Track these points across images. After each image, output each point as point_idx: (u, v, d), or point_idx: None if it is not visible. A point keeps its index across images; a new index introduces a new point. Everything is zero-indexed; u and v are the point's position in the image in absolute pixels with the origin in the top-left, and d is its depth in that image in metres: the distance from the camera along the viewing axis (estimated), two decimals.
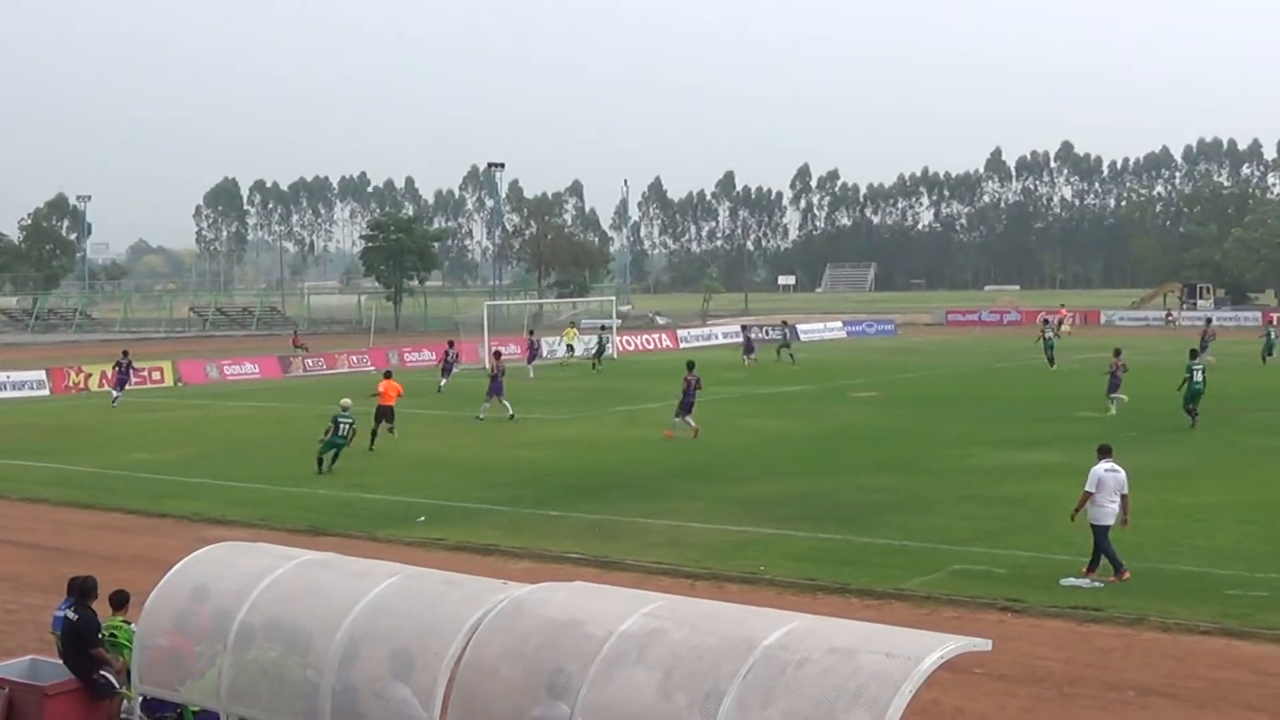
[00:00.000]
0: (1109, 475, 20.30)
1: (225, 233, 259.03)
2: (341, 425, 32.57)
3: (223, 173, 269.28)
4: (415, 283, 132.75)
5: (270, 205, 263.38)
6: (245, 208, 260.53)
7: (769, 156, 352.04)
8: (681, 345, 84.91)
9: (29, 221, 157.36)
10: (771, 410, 45.23)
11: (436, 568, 14.75)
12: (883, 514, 25.77)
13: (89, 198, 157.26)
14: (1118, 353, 42.94)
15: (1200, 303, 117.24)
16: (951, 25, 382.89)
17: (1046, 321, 67.99)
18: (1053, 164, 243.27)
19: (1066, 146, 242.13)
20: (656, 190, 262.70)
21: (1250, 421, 39.45)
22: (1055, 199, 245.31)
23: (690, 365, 39.75)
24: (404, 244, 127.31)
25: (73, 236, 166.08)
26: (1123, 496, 20.27)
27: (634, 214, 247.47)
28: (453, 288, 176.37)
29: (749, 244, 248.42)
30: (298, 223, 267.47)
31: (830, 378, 57.86)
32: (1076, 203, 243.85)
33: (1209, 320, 75.51)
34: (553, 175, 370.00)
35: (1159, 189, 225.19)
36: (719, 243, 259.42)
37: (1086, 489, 20.25)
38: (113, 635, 13.98)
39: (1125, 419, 38.95)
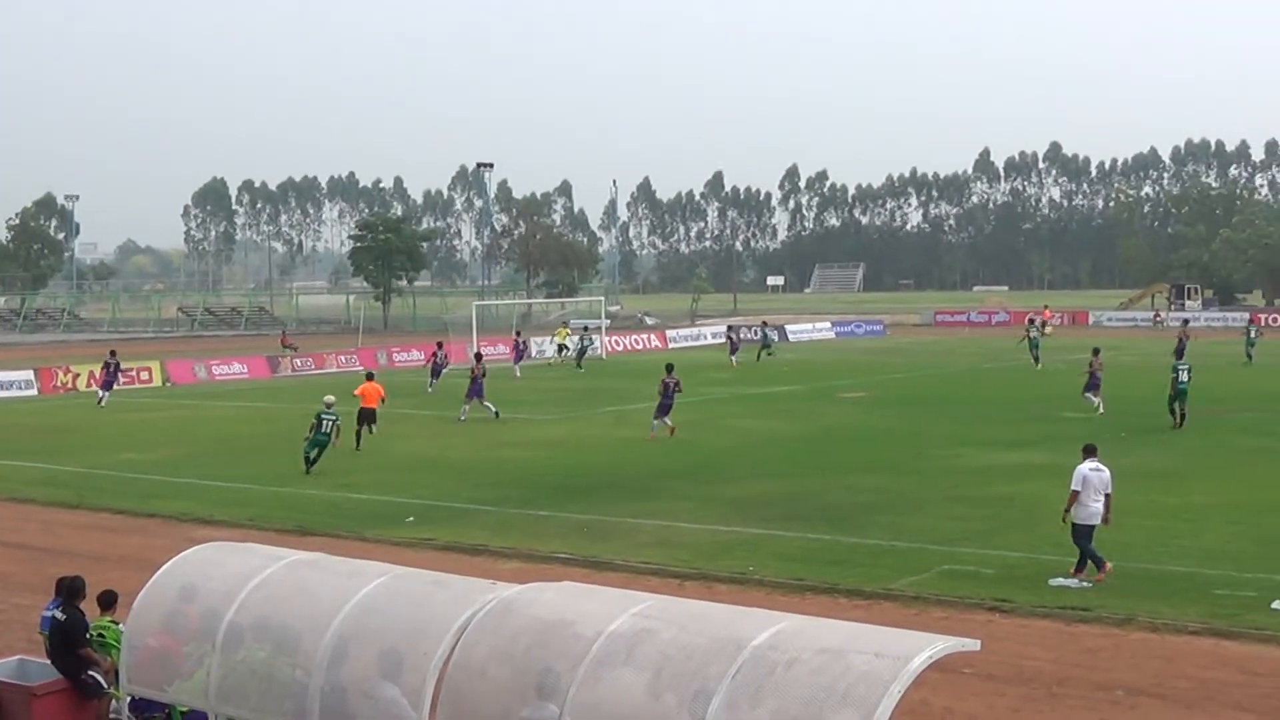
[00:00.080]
0: (1093, 474, 20.35)
1: (213, 233, 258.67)
2: (325, 422, 32.60)
3: (211, 172, 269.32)
4: (404, 283, 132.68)
5: (259, 205, 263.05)
6: (234, 208, 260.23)
7: (758, 157, 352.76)
8: (670, 346, 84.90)
9: (17, 221, 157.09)
10: (760, 411, 45.25)
11: (425, 568, 14.74)
12: (871, 514, 25.79)
13: (77, 197, 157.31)
14: (1096, 352, 43.04)
15: (1189, 303, 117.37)
16: (941, 27, 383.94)
17: (1031, 321, 68.16)
18: (1041, 165, 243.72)
19: (1055, 147, 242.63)
20: (645, 191, 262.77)
21: (1237, 422, 39.54)
22: (1044, 200, 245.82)
23: (669, 368, 39.76)
24: (392, 244, 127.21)
25: (61, 236, 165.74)
26: (1106, 496, 20.33)
27: (623, 214, 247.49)
28: (441, 288, 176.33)
29: (738, 244, 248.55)
30: (286, 223, 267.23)
31: (819, 378, 57.89)
32: (1065, 203, 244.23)
33: (1185, 321, 75.90)
34: (541, 175, 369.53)
35: (1147, 190, 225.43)
36: (708, 243, 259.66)
37: (1073, 488, 20.30)
38: (100, 635, 13.97)
39: (1114, 419, 39.00)
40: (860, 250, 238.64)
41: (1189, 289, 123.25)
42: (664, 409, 38.36)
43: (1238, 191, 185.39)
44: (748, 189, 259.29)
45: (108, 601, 14.45)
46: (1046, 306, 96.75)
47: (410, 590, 11.98)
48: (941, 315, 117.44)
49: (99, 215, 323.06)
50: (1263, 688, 15.52)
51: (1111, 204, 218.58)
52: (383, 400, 38.03)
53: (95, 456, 36.43)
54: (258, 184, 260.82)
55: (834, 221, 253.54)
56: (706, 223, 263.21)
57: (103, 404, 50.35)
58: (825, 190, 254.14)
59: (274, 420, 44.20)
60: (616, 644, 10.23)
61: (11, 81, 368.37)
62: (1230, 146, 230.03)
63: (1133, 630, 17.79)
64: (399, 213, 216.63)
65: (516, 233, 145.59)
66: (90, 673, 13.55)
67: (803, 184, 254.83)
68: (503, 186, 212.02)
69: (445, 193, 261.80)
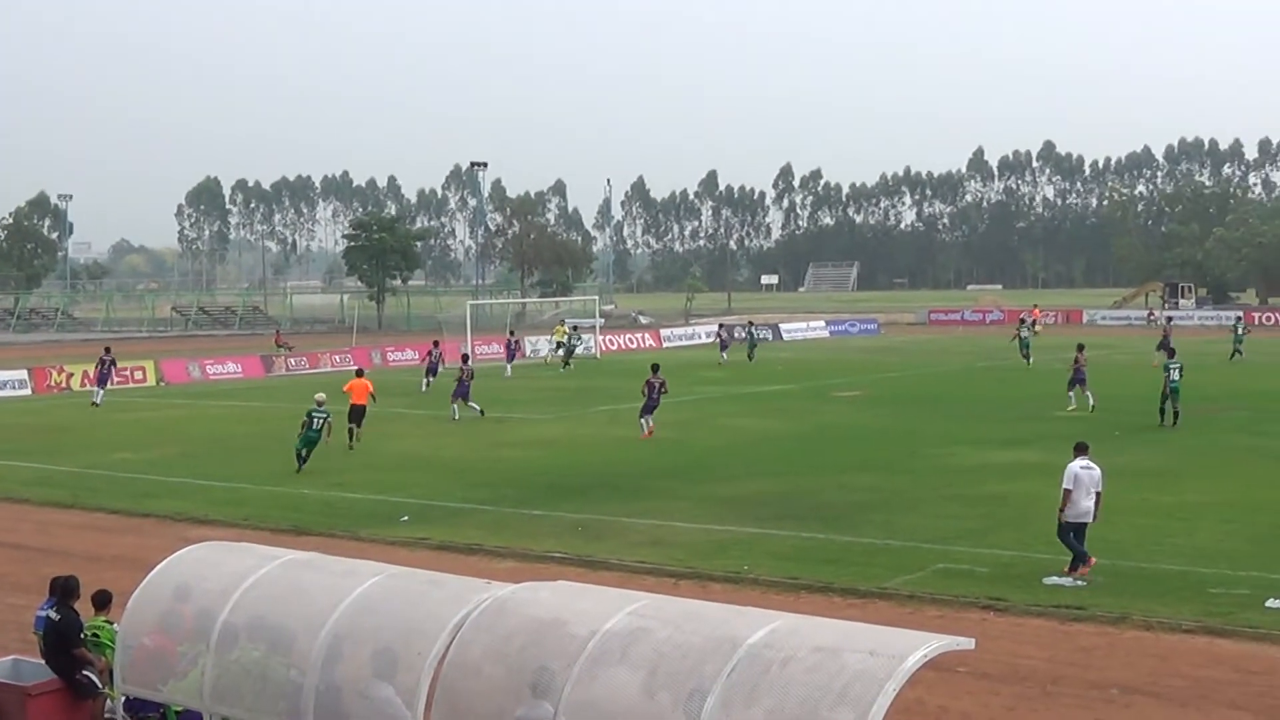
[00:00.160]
0: (1084, 472, 20.40)
1: (207, 232, 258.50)
2: (315, 419, 32.67)
3: (205, 172, 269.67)
4: (398, 282, 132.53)
5: (252, 204, 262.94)
6: (227, 207, 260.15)
7: (752, 156, 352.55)
8: (665, 345, 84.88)
9: (10, 220, 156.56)
10: (754, 409, 45.26)
11: (420, 567, 14.75)
12: (866, 513, 25.80)
13: (71, 197, 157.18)
14: (1080, 348, 43.34)
15: (1182, 302, 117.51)
16: (936, 25, 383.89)
17: (1023, 321, 68.30)
18: (1035, 163, 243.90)
19: (1048, 146, 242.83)
20: (639, 190, 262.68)
21: (1231, 420, 39.60)
22: (1037, 198, 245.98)
23: (654, 367, 39.77)
24: (387, 243, 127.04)
25: (54, 236, 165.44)
26: (1097, 494, 20.37)
27: (617, 213, 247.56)
28: (435, 287, 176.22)
29: (732, 243, 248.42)
30: (280, 222, 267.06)
31: (813, 377, 57.91)
32: (1058, 202, 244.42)
33: (1168, 319, 76.09)
34: (536, 175, 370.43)
35: (1141, 188, 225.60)
36: (702, 242, 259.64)
37: (1065, 487, 20.34)
38: (95, 635, 13.95)
39: (1107, 418, 39.02)
40: (854, 249, 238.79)
41: (1183, 288, 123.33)
42: (649, 408, 38.34)
43: (1231, 190, 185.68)
44: (742, 188, 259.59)
45: (102, 601, 14.44)
46: (1036, 305, 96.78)
47: (405, 590, 11.98)
48: (936, 314, 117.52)
49: (93, 215, 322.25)
50: (1257, 686, 15.54)
51: (1105, 203, 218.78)
52: (373, 397, 37.95)
53: (89, 456, 36.39)
54: (251, 183, 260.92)
55: (828, 220, 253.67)
56: (701, 222, 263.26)
57: (98, 402, 50.30)
58: (819, 189, 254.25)
59: (268, 420, 44.16)
60: (611, 643, 10.24)
61: (5, 81, 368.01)
62: (1224, 145, 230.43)
63: (1127, 629, 17.81)
64: (393, 212, 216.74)
65: (511, 232, 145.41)
66: (85, 672, 13.53)
67: (797, 183, 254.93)
68: (497, 186, 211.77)
69: (439, 192, 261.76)
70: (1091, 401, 41.31)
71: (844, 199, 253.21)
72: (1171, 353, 40.40)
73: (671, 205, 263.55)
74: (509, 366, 62.75)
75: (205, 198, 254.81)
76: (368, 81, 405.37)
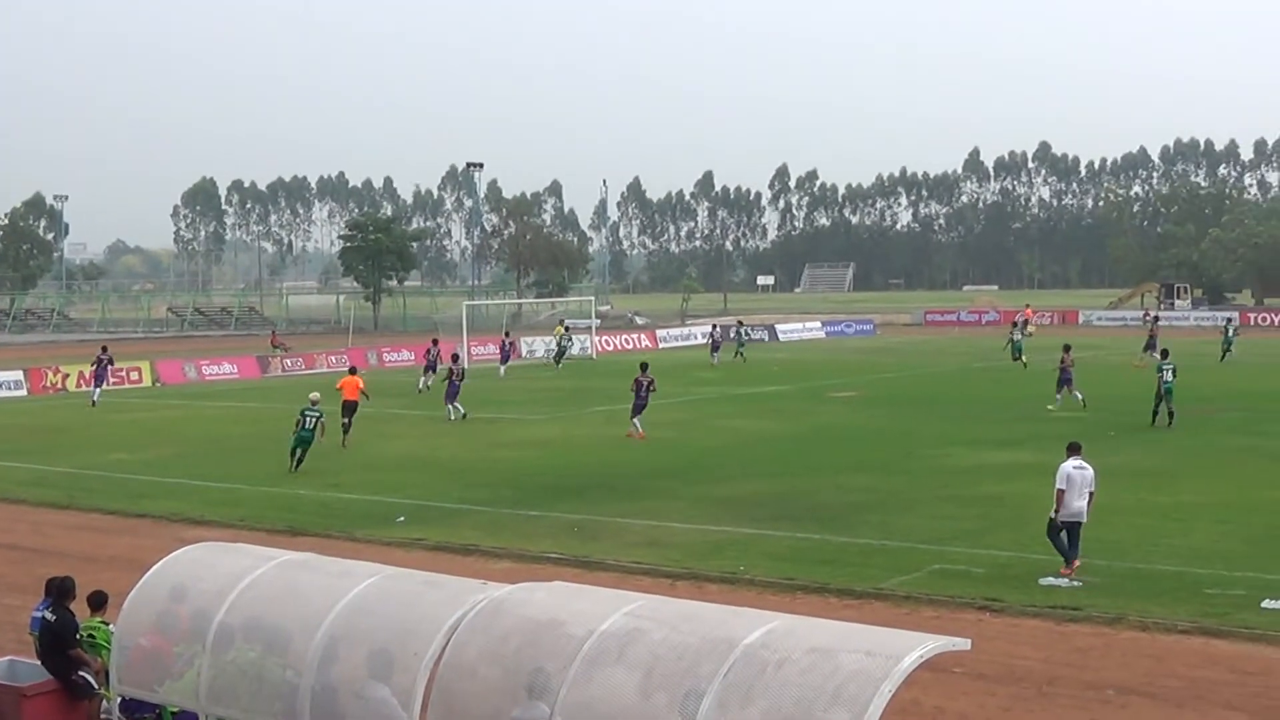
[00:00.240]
0: (1076, 472, 20.42)
1: (203, 233, 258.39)
2: (308, 418, 32.74)
3: (200, 172, 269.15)
4: (394, 283, 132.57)
5: (248, 205, 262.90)
6: (223, 208, 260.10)
7: (748, 157, 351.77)
8: (660, 345, 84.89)
9: (6, 221, 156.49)
10: (750, 410, 45.27)
11: (416, 568, 14.73)
12: (862, 514, 25.81)
13: (66, 197, 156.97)
14: (1067, 349, 43.51)
15: (1178, 302, 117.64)
16: (932, 26, 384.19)
17: (1015, 324, 68.39)
18: (1030, 164, 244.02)
19: (1044, 147, 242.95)
20: (635, 190, 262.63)
21: (1226, 421, 39.62)
22: (1033, 199, 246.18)
23: (643, 366, 39.78)
24: (382, 244, 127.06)
25: (50, 236, 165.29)
26: (1090, 494, 20.39)
27: (613, 214, 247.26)
28: (431, 288, 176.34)
29: (728, 244, 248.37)
30: (276, 223, 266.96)
31: (809, 378, 57.93)
32: (1054, 203, 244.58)
33: (1155, 319, 76.17)
34: (531, 175, 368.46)
35: (1136, 189, 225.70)
36: (698, 243, 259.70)
37: (1057, 486, 20.36)
38: (91, 636, 13.93)
39: (1102, 418, 39.04)
40: (850, 250, 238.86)
41: (1178, 288, 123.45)
42: (638, 408, 38.32)
43: (1227, 191, 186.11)
44: (738, 189, 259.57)
45: (98, 602, 14.42)
46: (1028, 305, 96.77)
47: (401, 590, 11.97)
48: (931, 315, 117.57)
49: (88, 215, 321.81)
50: (1253, 686, 15.55)
51: (1101, 203, 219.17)
52: (365, 395, 38.12)
53: (85, 457, 36.37)
54: (247, 184, 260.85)
55: (824, 221, 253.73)
56: (697, 222, 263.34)
57: (96, 398, 50.54)
58: (815, 190, 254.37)
59: (264, 420, 44.10)
60: (607, 644, 10.23)
61: (0, 81, 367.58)
62: (1219, 146, 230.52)
63: (1123, 629, 17.82)
64: (389, 212, 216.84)
65: (506, 232, 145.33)
66: (81, 673, 13.52)
67: (793, 183, 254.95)
68: (492, 186, 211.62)
69: (435, 192, 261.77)
70: (1079, 397, 41.42)
71: (840, 200, 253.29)
72: (1165, 353, 40.45)
73: (667, 206, 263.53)
74: (503, 367, 62.85)
75: (201, 198, 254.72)
76: (364, 82, 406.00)
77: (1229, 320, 73.71)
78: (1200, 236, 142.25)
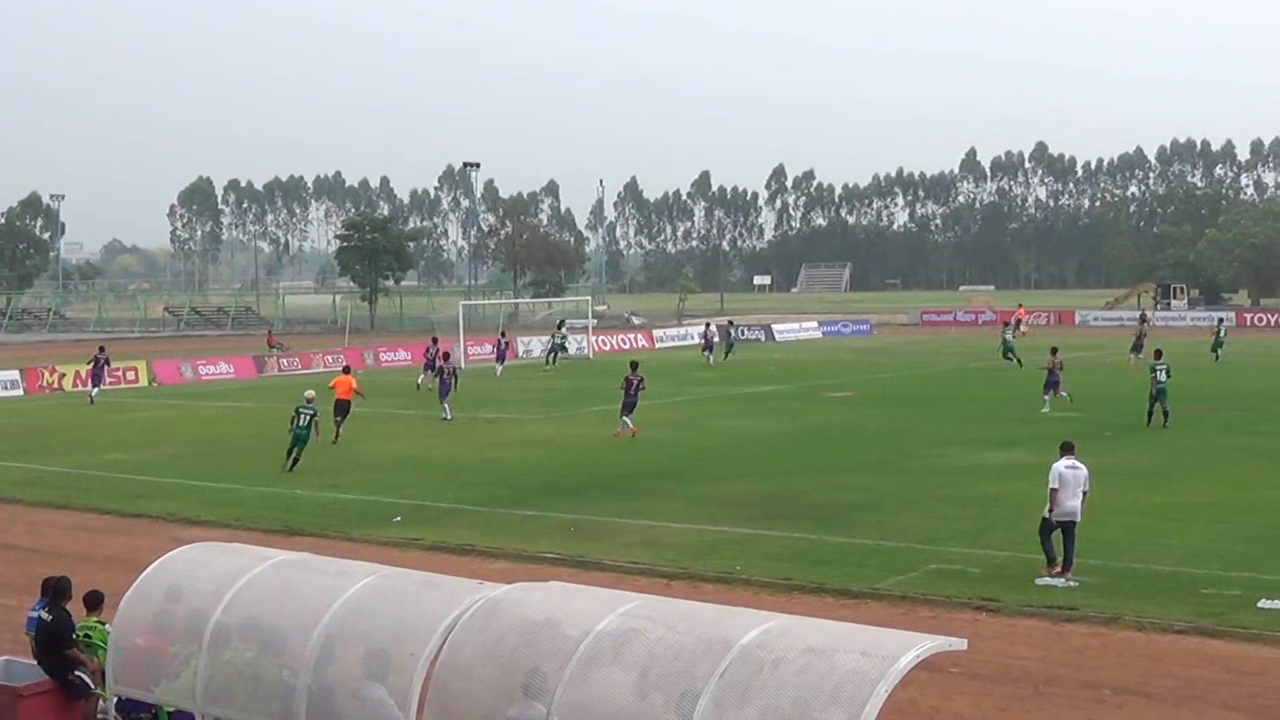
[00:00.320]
0: (1069, 472, 20.42)
1: (200, 232, 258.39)
2: (303, 416, 32.84)
3: (197, 172, 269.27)
4: (390, 282, 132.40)
5: (245, 205, 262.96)
6: (220, 207, 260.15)
7: (745, 157, 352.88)
8: (657, 345, 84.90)
9: (2, 220, 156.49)
10: (747, 410, 45.26)
11: (412, 568, 14.73)
12: (858, 514, 25.81)
13: (63, 197, 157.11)
14: (1054, 351, 43.70)
15: (1174, 302, 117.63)
16: (929, 27, 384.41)
17: (1006, 324, 68.36)
18: (1027, 164, 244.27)
19: (1041, 147, 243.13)
20: (632, 190, 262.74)
21: (1222, 421, 39.64)
22: (1030, 199, 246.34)
23: (634, 364, 39.80)
24: (379, 244, 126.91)
25: (46, 236, 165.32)
26: (1083, 493, 20.40)
27: (610, 214, 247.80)
28: (428, 287, 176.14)
29: (724, 244, 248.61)
30: (272, 222, 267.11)
31: (806, 377, 57.92)
32: (1051, 203, 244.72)
33: (1144, 319, 76.13)
34: (528, 175, 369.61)
35: (1133, 189, 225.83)
36: (694, 243, 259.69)
37: (1050, 486, 20.36)
38: (87, 636, 13.93)
39: (1098, 418, 39.05)
40: (847, 250, 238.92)
41: (1175, 288, 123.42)
42: (628, 407, 38.31)
43: (1223, 191, 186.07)
44: (734, 189, 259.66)
45: (94, 602, 14.41)
46: (1021, 305, 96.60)
47: (397, 590, 11.96)
48: (928, 315, 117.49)
49: (85, 215, 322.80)
50: (1249, 686, 15.56)
51: (1097, 204, 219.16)
52: (358, 393, 38.24)
53: (81, 457, 36.35)
54: (244, 184, 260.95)
55: (821, 221, 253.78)
56: (693, 222, 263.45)
57: (94, 395, 50.83)
58: (812, 190, 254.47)
59: (260, 420, 44.07)
60: (604, 644, 10.23)
61: None
62: (1216, 146, 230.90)
63: (1119, 629, 17.82)
64: (385, 212, 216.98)
65: (503, 232, 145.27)
66: (77, 673, 13.52)
67: (789, 184, 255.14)
68: (489, 186, 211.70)
69: (432, 192, 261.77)
70: (1066, 395, 41.64)
71: (836, 200, 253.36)
72: (1158, 354, 40.46)
73: (664, 206, 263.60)
74: (499, 367, 62.87)
75: (198, 198, 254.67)
76: (361, 82, 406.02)
77: (1220, 321, 73.83)
78: (1196, 237, 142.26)
